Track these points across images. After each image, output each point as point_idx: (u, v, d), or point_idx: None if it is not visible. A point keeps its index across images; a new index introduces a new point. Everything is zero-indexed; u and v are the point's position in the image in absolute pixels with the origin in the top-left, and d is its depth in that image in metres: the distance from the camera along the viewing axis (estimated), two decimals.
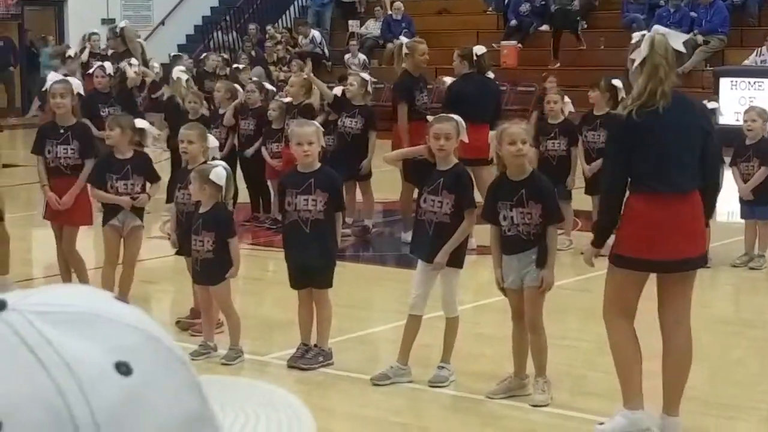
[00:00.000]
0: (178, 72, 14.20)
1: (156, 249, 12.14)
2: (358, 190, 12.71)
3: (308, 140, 7.71)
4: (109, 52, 19.21)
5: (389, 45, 25.85)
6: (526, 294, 6.94)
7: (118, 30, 15.84)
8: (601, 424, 6.40)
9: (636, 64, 6.21)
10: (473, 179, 7.69)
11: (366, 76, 13.41)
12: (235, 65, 20.00)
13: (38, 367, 0.92)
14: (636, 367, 6.29)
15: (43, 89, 9.61)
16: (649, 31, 6.34)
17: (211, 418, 1.01)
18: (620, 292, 6.33)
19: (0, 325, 0.94)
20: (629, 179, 6.23)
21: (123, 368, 0.95)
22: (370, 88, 12.99)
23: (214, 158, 8.52)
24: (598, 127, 11.08)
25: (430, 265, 7.26)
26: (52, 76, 9.84)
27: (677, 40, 6.28)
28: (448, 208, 7.18)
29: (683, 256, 6.16)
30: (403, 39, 13.41)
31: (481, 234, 10.76)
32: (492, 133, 7.20)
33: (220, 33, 27.98)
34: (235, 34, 27.85)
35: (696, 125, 6.25)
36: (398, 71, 12.86)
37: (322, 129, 8.09)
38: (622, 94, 11.31)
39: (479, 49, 12.18)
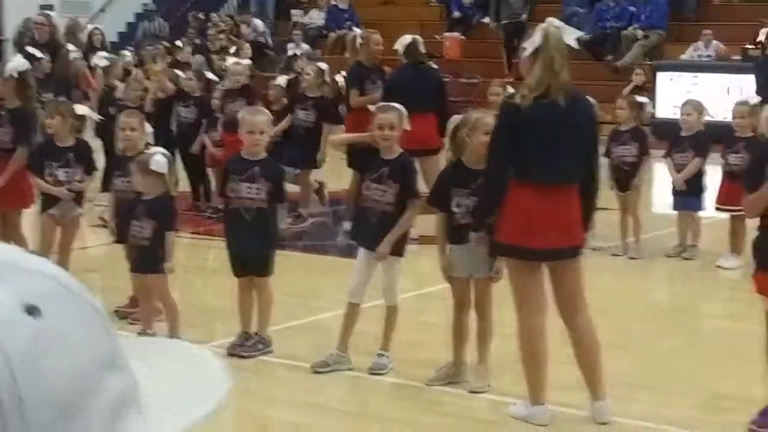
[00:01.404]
0: (98, 59, 14.20)
1: (95, 237, 12.12)
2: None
3: (260, 129, 7.77)
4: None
5: (332, 35, 25.93)
6: (478, 283, 7.03)
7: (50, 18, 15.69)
8: (515, 404, 6.59)
9: (527, 53, 6.30)
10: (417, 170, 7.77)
11: (323, 65, 13.41)
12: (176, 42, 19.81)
13: None
14: (538, 365, 6.39)
15: None
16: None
17: (124, 366, 1.06)
18: (516, 282, 6.44)
19: None
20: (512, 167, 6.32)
21: (33, 311, 0.99)
22: (327, 78, 13.02)
23: (149, 145, 8.51)
24: (628, 141, 11.11)
25: (372, 253, 7.32)
26: None
27: (570, 35, 6.37)
28: (391, 197, 7.25)
29: (555, 246, 6.27)
30: (357, 30, 13.41)
31: (424, 224, 10.85)
32: (456, 119, 7.22)
33: (161, 21, 27.82)
34: (176, 22, 27.72)
35: (583, 121, 6.34)
36: (351, 62, 12.93)
37: (271, 118, 8.12)
38: (650, 108, 11.57)
39: (404, 40, 12.18)
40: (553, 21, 6.43)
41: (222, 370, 1.20)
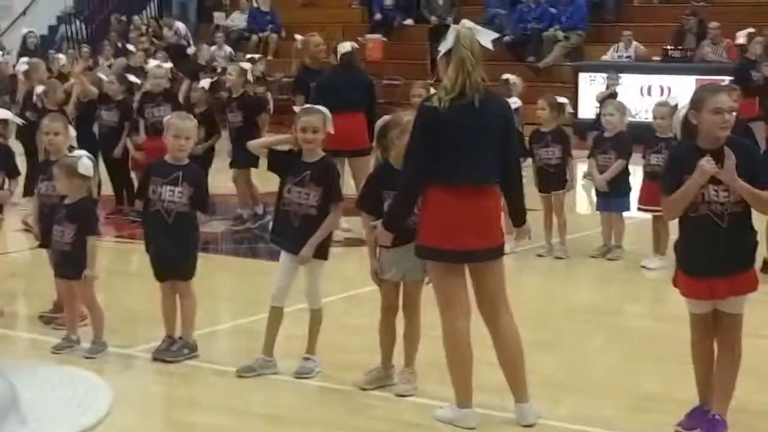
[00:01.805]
0: (19, 64, 14.10)
1: (18, 242, 11.98)
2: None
3: (186, 135, 7.74)
4: None
5: (254, 37, 25.85)
6: (407, 286, 7.03)
7: None
8: (442, 408, 6.59)
9: (441, 54, 6.34)
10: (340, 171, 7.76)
11: (245, 64, 13.44)
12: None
13: None
14: (463, 367, 6.39)
15: None
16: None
17: (17, 404, 1.06)
18: (438, 285, 6.43)
19: None
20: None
21: None
22: (250, 77, 13.07)
23: (72, 148, 8.43)
24: (550, 142, 11.16)
25: (294, 256, 7.30)
26: None
27: (486, 36, 6.36)
28: (315, 201, 7.22)
29: (474, 248, 6.26)
30: (298, 36, 13.51)
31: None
32: (384, 120, 7.21)
33: (83, 24, 27.59)
34: (98, 24, 27.50)
35: (499, 122, 6.34)
36: (295, 66, 13.16)
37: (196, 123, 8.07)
38: (570, 109, 11.69)
39: (343, 47, 12.28)
40: (465, 22, 6.44)
41: (103, 386, 1.22)
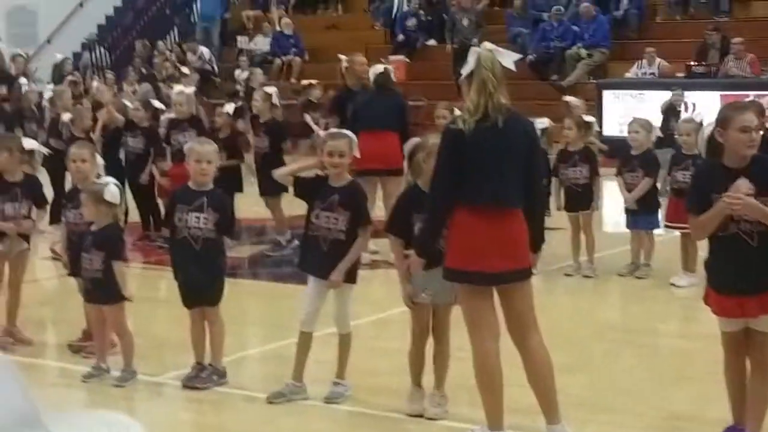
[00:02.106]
0: (45, 91, 14.18)
1: (46, 270, 12.03)
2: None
3: (207, 159, 7.74)
4: None
5: (277, 60, 25.94)
6: (440, 309, 7.01)
7: None
8: (473, 430, 6.56)
9: (463, 77, 6.34)
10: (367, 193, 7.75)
11: (270, 89, 13.43)
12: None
13: None
14: (493, 389, 6.34)
15: None
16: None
17: (39, 422, 1.07)
18: (466, 307, 6.40)
19: None
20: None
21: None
22: (276, 101, 13.05)
23: (99, 175, 8.47)
24: (578, 162, 11.15)
25: (323, 281, 7.29)
26: None
27: (508, 58, 6.36)
28: (343, 225, 7.22)
29: (502, 270, 6.22)
30: (342, 56, 13.53)
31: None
32: (413, 142, 7.23)
33: (107, 50, 27.76)
34: (122, 51, 27.66)
35: (523, 143, 6.32)
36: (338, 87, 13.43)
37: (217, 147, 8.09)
38: (596, 127, 11.63)
39: (375, 69, 12.33)
40: (486, 44, 6.45)
41: (136, 426, 1.24)
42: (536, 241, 6.48)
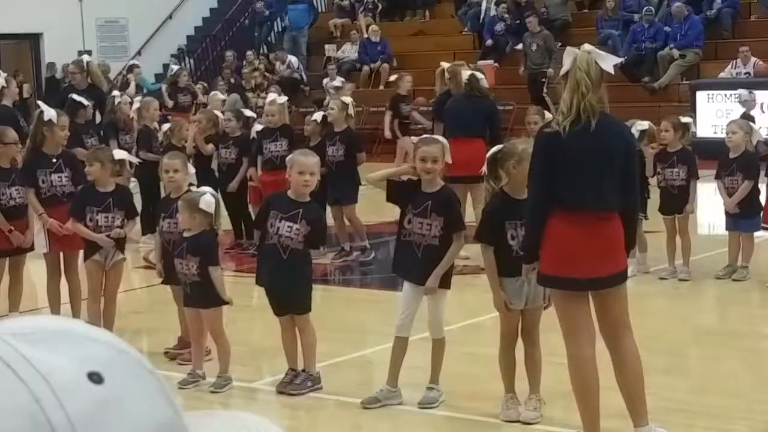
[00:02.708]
0: (136, 103, 14.34)
1: (142, 279, 12.15)
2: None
3: (311, 170, 7.76)
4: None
5: (365, 68, 26.02)
6: (530, 313, 6.97)
7: (84, 64, 15.77)
8: None
9: (559, 78, 6.33)
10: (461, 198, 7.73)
11: (346, 98, 13.45)
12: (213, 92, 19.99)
13: (14, 379, 0.97)
14: (589, 394, 6.28)
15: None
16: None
17: (182, 428, 1.06)
18: (562, 313, 6.35)
19: None
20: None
21: (95, 377, 1.00)
22: (351, 111, 13.05)
23: (191, 185, 8.55)
24: (675, 163, 11.02)
25: (417, 287, 7.26)
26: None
27: (607, 61, 6.29)
28: (437, 231, 7.19)
29: (598, 275, 6.17)
30: (444, 64, 13.59)
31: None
32: (496, 149, 7.19)
33: (197, 61, 28.04)
34: (212, 61, 27.93)
35: (619, 146, 6.26)
36: (438, 93, 13.41)
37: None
38: (693, 129, 11.48)
39: (464, 75, 12.30)
40: (585, 46, 6.39)
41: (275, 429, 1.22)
42: (629, 245, 6.43)
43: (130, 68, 23.63)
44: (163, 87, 21.49)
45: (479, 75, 12.42)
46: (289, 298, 7.77)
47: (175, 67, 22.27)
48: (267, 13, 28.95)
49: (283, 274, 7.69)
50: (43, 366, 0.99)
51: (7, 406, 0.97)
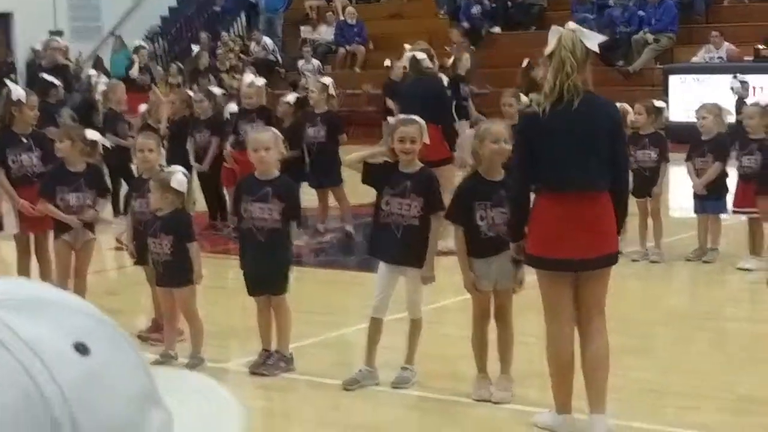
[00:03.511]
0: (101, 85, 14.29)
1: (112, 260, 12.13)
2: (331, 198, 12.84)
3: (264, 146, 7.73)
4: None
5: (341, 50, 25.98)
6: (500, 294, 6.99)
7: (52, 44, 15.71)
8: (540, 414, 6.53)
9: (544, 57, 6.25)
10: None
11: (327, 80, 13.45)
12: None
13: (1, 349, 0.95)
14: (564, 374, 6.29)
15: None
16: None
17: (160, 401, 1.06)
18: (545, 293, 6.32)
19: None
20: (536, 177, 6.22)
21: (81, 348, 0.99)
22: (332, 92, 13.03)
23: (162, 166, 8.54)
24: (648, 146, 11.03)
25: (395, 267, 7.26)
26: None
27: (592, 39, 6.19)
28: (416, 211, 7.19)
29: (586, 255, 6.11)
30: (407, 47, 13.38)
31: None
32: (469, 132, 7.21)
33: (170, 42, 27.93)
34: (186, 42, 27.83)
35: (604, 126, 6.19)
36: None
37: (280, 135, 8.10)
38: (666, 113, 11.45)
39: (406, 57, 12.22)
40: (570, 25, 6.32)
41: (235, 404, 1.21)
42: (619, 225, 6.38)
43: (136, 49, 23.60)
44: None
45: (420, 55, 12.18)
46: (267, 278, 7.77)
47: (195, 49, 21.99)
48: None
49: (263, 256, 7.69)
50: (28, 335, 0.97)
51: None
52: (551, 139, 6.11)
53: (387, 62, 12.74)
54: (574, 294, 6.30)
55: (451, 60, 17.87)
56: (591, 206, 6.15)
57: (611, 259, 6.27)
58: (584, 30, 6.29)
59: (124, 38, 27.67)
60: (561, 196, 6.14)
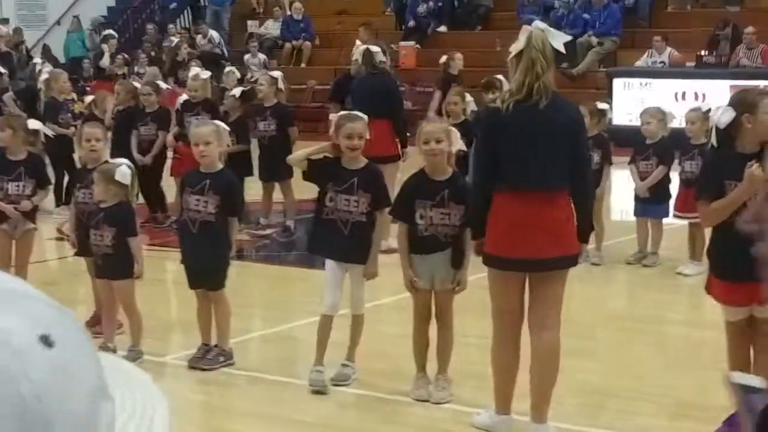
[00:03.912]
0: (44, 74, 14.17)
1: (53, 250, 12.04)
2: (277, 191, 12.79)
3: (204, 140, 7.71)
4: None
5: (287, 45, 25.92)
6: (440, 294, 6.98)
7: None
8: (479, 414, 6.54)
9: (511, 56, 6.16)
10: None
11: (276, 73, 13.44)
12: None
13: None
14: (507, 375, 6.28)
15: None
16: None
17: (108, 390, 1.05)
18: (495, 292, 6.29)
19: None
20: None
21: (46, 340, 0.98)
22: (281, 85, 13.00)
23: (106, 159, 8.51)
24: (591, 148, 11.00)
25: (341, 264, 7.23)
26: None
27: (558, 39, 6.16)
28: (364, 208, 7.16)
29: (544, 256, 6.04)
30: (359, 42, 13.23)
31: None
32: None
33: (117, 33, 27.74)
34: (132, 33, 27.66)
35: (567, 126, 6.15)
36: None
37: (225, 128, 8.08)
38: (610, 115, 11.46)
39: (359, 50, 12.18)
40: (538, 23, 6.29)
41: (159, 392, 1.20)
42: (582, 231, 6.25)
43: (105, 38, 23.48)
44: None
45: (374, 48, 12.10)
46: (202, 272, 7.74)
47: (174, 40, 21.83)
48: None
49: (195, 247, 7.68)
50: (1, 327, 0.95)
51: None
52: (513, 137, 6.05)
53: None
54: (530, 297, 6.24)
55: (443, 59, 17.82)
56: (549, 206, 6.09)
57: (569, 260, 6.19)
58: (551, 29, 6.24)
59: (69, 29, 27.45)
60: (519, 195, 6.07)
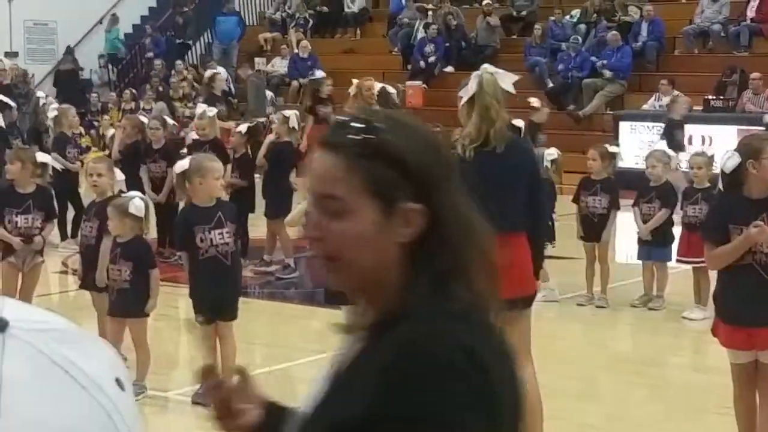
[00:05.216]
0: (50, 110, 14.19)
1: (59, 283, 12.04)
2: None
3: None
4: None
5: (294, 83, 25.99)
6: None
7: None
8: None
9: (463, 102, 6.19)
10: None
11: (288, 112, 13.34)
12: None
13: (77, 387, 0.96)
14: None
15: None
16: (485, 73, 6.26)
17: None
18: None
19: (20, 343, 0.96)
20: None
21: (120, 384, 1.01)
22: (294, 125, 12.92)
23: (121, 191, 8.51)
24: (599, 192, 11.04)
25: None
26: None
27: (507, 80, 6.22)
28: None
29: (507, 296, 6.02)
30: (355, 81, 13.23)
31: None
32: None
33: (125, 68, 27.90)
34: (141, 69, 27.78)
35: (524, 169, 6.22)
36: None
37: (219, 164, 8.09)
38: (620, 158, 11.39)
39: (376, 87, 12.21)
40: (487, 67, 6.33)
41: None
42: (536, 266, 6.35)
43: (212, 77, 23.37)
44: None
45: (390, 89, 12.16)
46: (226, 302, 7.77)
47: (211, 71, 21.80)
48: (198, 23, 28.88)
49: (227, 278, 7.77)
50: (89, 372, 0.97)
51: (85, 417, 0.94)
52: (474, 181, 6.02)
53: (353, 89, 12.43)
54: None
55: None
56: (511, 247, 6.04)
57: (530, 300, 6.26)
58: (500, 71, 6.29)
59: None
60: None
